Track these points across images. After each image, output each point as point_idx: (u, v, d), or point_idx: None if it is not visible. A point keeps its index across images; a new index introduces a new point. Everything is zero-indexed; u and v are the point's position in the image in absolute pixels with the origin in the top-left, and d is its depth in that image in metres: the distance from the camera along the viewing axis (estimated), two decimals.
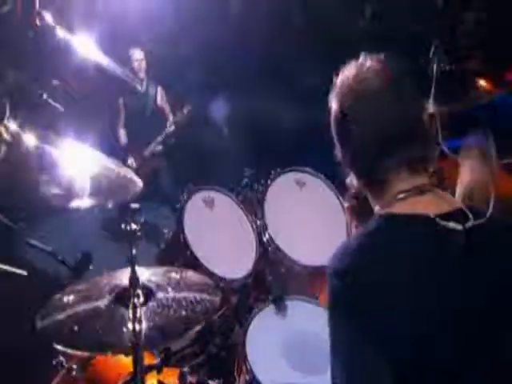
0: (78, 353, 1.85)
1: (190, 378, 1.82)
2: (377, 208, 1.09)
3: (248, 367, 1.76)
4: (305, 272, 2.03)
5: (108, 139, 3.95)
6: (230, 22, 5.24)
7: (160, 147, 4.01)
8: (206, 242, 1.89)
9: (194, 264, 1.83)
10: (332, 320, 0.99)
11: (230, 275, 1.87)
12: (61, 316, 1.32)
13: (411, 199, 1.02)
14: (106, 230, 3.91)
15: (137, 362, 1.43)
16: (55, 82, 1.60)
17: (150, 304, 1.41)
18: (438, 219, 0.97)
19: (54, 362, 1.91)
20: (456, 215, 0.99)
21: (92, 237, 3.85)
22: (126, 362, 1.83)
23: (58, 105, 1.44)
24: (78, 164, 1.31)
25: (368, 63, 1.09)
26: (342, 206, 2.11)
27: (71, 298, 1.41)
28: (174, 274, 1.62)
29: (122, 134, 4.01)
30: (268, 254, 1.99)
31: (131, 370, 1.74)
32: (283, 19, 5.75)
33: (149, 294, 1.42)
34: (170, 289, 1.47)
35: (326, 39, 5.49)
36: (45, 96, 1.44)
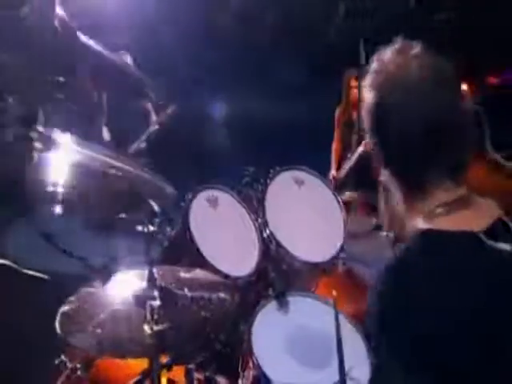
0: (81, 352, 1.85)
1: (196, 375, 1.83)
2: (413, 219, 0.99)
3: (255, 362, 1.77)
4: (304, 268, 2.05)
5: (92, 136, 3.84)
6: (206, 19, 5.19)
7: (144, 145, 3.93)
8: (211, 241, 1.89)
9: (200, 262, 1.82)
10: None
11: (234, 273, 1.88)
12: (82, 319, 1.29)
13: (454, 213, 0.94)
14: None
15: (154, 364, 1.42)
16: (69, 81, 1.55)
17: (170, 305, 1.40)
18: (483, 237, 0.91)
19: (56, 362, 1.88)
20: (498, 228, 0.94)
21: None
22: (131, 361, 1.81)
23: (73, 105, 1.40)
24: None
25: (407, 49, 0.98)
26: (339, 204, 2.15)
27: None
28: (183, 274, 1.62)
29: (105, 132, 3.90)
30: (269, 251, 2.01)
31: (139, 369, 1.75)
32: (258, 15, 5.73)
33: (167, 294, 1.42)
34: (186, 289, 1.46)
35: (299, 36, 5.51)
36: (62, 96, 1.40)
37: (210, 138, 4.62)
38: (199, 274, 1.63)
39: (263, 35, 5.23)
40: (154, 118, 4.28)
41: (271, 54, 5.15)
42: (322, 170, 2.21)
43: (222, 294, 1.54)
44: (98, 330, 1.29)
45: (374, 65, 1.01)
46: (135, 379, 1.68)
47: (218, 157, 4.35)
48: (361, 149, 4.83)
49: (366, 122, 1.03)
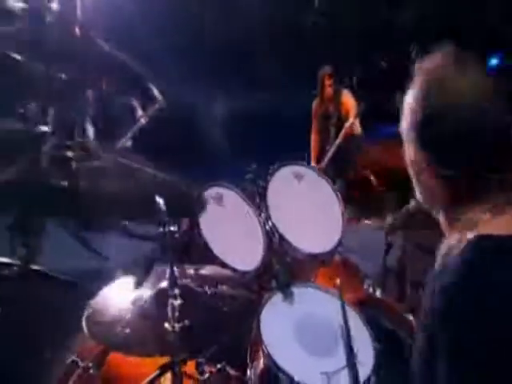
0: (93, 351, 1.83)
1: (208, 368, 1.84)
2: (455, 228, 0.97)
3: (265, 351, 1.80)
4: (306, 260, 2.09)
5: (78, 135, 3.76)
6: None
7: (130, 142, 3.87)
8: (218, 237, 1.90)
9: (209, 259, 1.83)
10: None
11: (242, 267, 1.90)
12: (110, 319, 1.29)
13: (499, 217, 0.93)
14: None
15: (175, 361, 1.42)
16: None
17: (191, 302, 1.41)
18: None
19: (68, 362, 1.86)
20: None
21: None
22: (143, 358, 1.80)
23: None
24: None
25: (456, 56, 0.97)
26: (338, 197, 2.20)
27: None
28: (199, 271, 1.62)
29: (90, 129, 3.82)
30: (273, 245, 2.04)
31: (150, 366, 1.75)
32: (237, 12, 5.70)
33: (188, 292, 1.42)
34: (206, 286, 1.47)
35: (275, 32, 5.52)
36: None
37: (198, 133, 4.60)
38: (213, 270, 1.65)
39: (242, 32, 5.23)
40: (139, 112, 4.23)
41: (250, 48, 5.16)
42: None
43: (239, 289, 1.56)
44: (127, 330, 1.29)
45: (419, 72, 1.01)
46: (151, 376, 1.69)
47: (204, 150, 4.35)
48: (339, 141, 4.95)
49: (412, 130, 1.00)
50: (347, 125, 4.86)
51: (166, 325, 1.38)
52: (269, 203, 2.05)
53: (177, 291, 1.42)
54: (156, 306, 1.40)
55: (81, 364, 1.83)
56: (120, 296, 1.42)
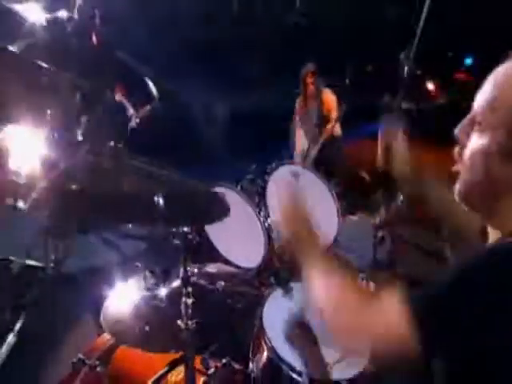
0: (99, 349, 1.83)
1: (213, 363, 1.87)
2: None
3: (269, 345, 1.83)
4: None
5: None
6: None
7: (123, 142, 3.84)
8: (222, 236, 1.92)
9: (214, 257, 1.85)
10: None
11: (245, 265, 1.92)
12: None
13: None
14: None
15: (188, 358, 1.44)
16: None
17: (203, 300, 1.43)
18: None
19: (74, 361, 1.86)
20: None
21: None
22: (149, 355, 1.81)
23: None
24: None
25: None
26: (333, 195, 2.24)
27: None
28: (208, 269, 1.65)
29: (78, 133, 3.77)
30: (273, 241, 2.07)
31: (156, 361, 1.76)
32: (217, 9, 5.67)
33: (200, 290, 1.44)
34: (217, 284, 1.49)
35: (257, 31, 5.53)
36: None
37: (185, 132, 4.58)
38: (218, 267, 1.67)
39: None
40: (131, 111, 4.19)
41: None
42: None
43: (244, 286, 1.58)
44: (147, 328, 1.30)
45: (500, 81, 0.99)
46: (161, 372, 1.70)
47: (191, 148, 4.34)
48: (321, 140, 5.00)
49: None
50: (329, 126, 4.92)
51: (179, 322, 1.39)
52: (268, 201, 2.08)
53: (190, 289, 1.44)
54: (170, 304, 1.41)
55: (87, 362, 1.83)
56: (134, 295, 1.43)
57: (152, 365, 1.81)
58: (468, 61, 5.65)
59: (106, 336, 1.91)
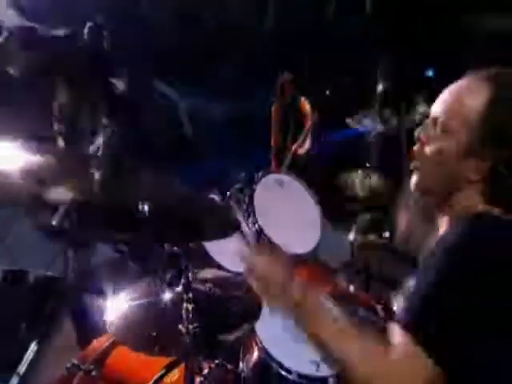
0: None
1: (205, 364, 1.90)
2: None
3: (260, 345, 1.87)
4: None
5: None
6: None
7: (99, 148, 3.78)
8: (214, 241, 1.95)
9: (207, 262, 1.89)
10: None
11: (234, 269, 1.97)
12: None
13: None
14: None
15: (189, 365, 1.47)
16: None
17: (203, 305, 1.47)
18: None
19: (68, 365, 1.85)
20: None
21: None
22: (143, 358, 1.82)
23: None
24: None
25: None
26: (315, 200, 2.34)
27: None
28: (205, 275, 1.68)
29: (60, 140, 3.69)
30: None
31: (151, 365, 1.79)
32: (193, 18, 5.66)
33: (200, 295, 1.48)
34: (217, 289, 1.53)
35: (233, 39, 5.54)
36: None
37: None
38: (215, 273, 1.71)
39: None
40: (105, 121, 4.12)
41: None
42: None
43: (237, 290, 1.63)
44: (153, 333, 1.33)
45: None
46: (157, 375, 1.72)
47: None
48: (295, 147, 5.07)
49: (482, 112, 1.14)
50: (299, 142, 4.97)
51: (180, 327, 1.43)
52: (256, 209, 2.14)
53: (191, 295, 1.48)
54: (171, 309, 1.45)
55: (82, 367, 1.83)
56: (138, 300, 1.45)
57: (147, 368, 1.82)
58: (430, 73, 5.87)
59: (100, 340, 1.92)
